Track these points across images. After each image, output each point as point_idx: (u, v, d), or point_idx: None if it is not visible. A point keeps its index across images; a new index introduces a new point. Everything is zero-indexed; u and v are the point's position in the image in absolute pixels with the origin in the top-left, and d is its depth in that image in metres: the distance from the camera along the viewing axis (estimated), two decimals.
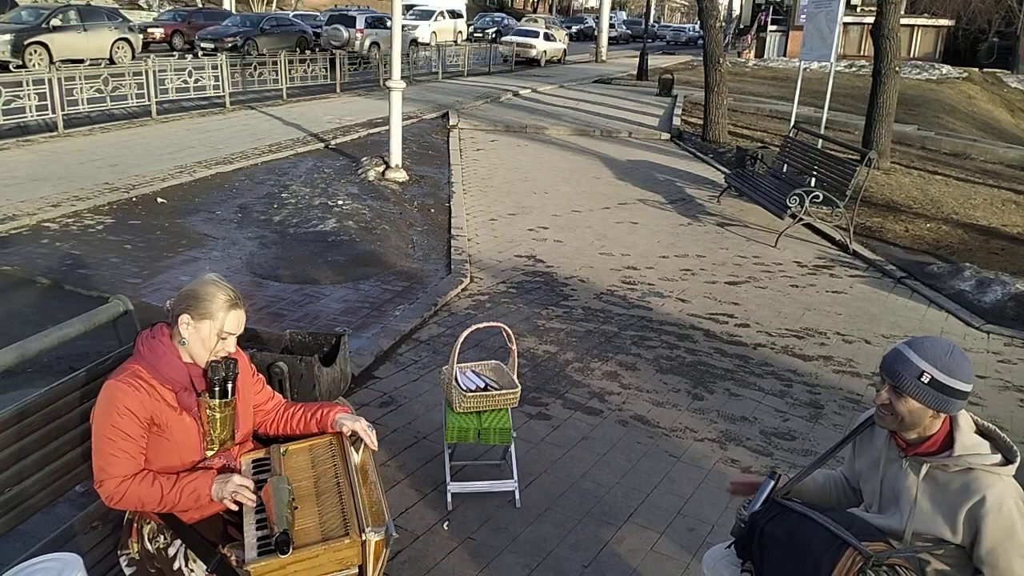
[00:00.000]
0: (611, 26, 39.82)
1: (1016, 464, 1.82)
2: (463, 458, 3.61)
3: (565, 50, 29.86)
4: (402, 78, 9.41)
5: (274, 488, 1.96)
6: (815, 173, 8.23)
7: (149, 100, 12.26)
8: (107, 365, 2.28)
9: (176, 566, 2.07)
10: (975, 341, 5.54)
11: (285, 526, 1.87)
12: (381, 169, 9.37)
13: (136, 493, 2.00)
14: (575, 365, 4.74)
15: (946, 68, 28.27)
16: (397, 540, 2.81)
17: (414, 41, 25.28)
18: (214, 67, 13.62)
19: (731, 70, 17.25)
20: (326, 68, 16.68)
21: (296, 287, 5.86)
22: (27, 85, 10.61)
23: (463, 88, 18.86)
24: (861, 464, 2.11)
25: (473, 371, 3.41)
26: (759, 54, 35.93)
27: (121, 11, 21.70)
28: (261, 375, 2.41)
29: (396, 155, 9.41)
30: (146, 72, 12.23)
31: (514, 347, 3.32)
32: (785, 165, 9.23)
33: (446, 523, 3.18)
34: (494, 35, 33.20)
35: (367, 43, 23.04)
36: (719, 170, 10.82)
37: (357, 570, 1.94)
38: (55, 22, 17.59)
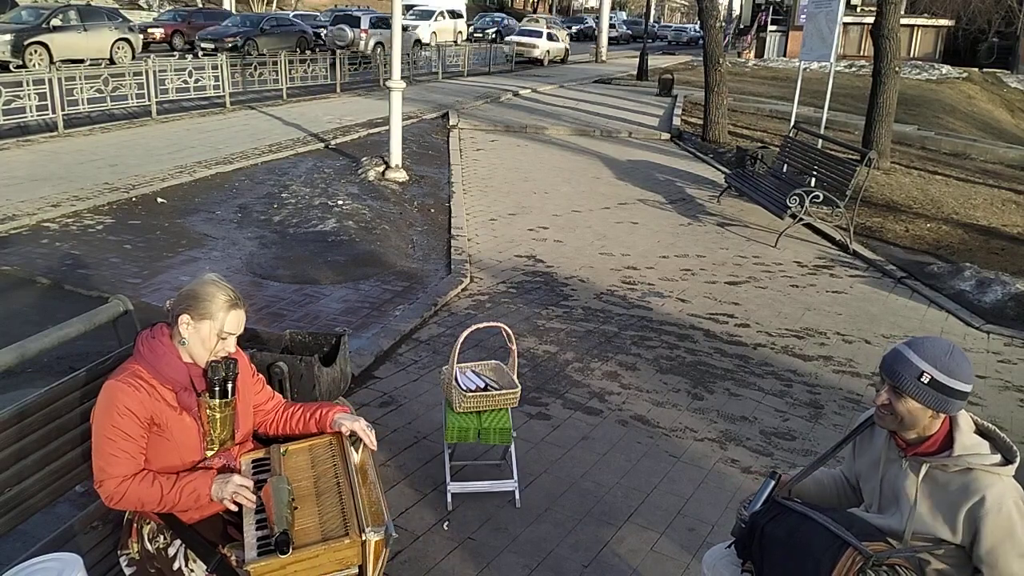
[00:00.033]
0: (611, 26, 39.84)
1: (1016, 464, 1.82)
2: (463, 458, 3.61)
3: (567, 50, 29.95)
4: (402, 78, 9.41)
5: (274, 488, 1.96)
6: (815, 173, 8.23)
7: (149, 100, 12.27)
8: (107, 365, 2.28)
9: (176, 566, 2.08)
10: (975, 341, 5.54)
11: (285, 526, 1.87)
12: (381, 169, 9.37)
13: (136, 493, 2.01)
14: (575, 365, 4.74)
15: (946, 68, 28.26)
16: (397, 540, 2.81)
17: (418, 41, 25.26)
18: (214, 67, 13.62)
19: (731, 70, 17.26)
20: (326, 68, 16.69)
21: (296, 287, 5.86)
22: (27, 85, 10.61)
23: (463, 88, 18.86)
24: (861, 464, 2.12)
25: (473, 371, 3.41)
26: (759, 54, 35.93)
27: (121, 11, 21.72)
28: (261, 375, 2.41)
29: (396, 155, 9.41)
30: (146, 72, 12.23)
31: (514, 347, 3.32)
32: (785, 165, 9.23)
33: (446, 523, 3.18)
34: (494, 35, 33.22)
35: (371, 43, 23.03)
36: (719, 170, 10.82)
37: (357, 570, 1.94)
38: (55, 22, 17.60)
